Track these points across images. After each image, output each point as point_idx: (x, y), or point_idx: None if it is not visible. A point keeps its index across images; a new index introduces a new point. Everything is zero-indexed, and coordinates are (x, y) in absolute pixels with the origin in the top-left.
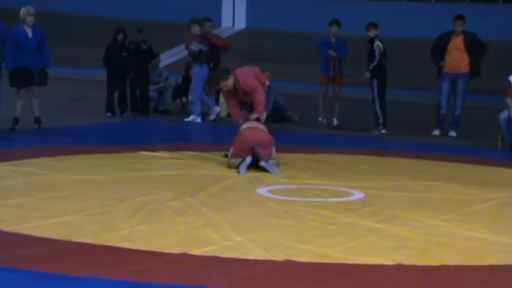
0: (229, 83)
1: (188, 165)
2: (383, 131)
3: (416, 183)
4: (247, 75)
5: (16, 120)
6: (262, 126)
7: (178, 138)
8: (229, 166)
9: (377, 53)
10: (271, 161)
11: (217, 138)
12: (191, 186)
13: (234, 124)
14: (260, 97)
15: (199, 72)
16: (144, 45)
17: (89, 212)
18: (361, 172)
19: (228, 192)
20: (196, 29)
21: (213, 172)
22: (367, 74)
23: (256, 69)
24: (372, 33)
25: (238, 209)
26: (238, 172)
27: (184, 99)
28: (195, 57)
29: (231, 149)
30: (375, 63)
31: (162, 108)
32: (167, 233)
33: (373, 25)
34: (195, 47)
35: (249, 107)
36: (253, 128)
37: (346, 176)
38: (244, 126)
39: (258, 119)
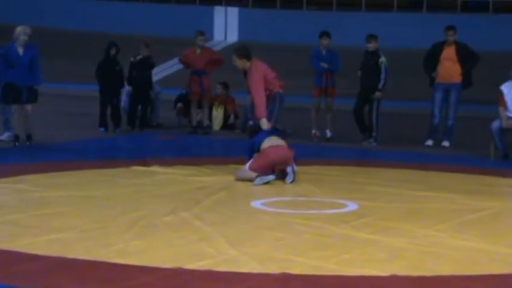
0: (241, 63)
1: (182, 179)
2: (374, 144)
3: (410, 193)
4: (259, 71)
5: (16, 137)
6: (282, 142)
7: (172, 153)
8: (241, 178)
9: (383, 69)
10: (293, 169)
11: (210, 151)
12: (185, 201)
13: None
14: (257, 98)
15: None
16: (150, 60)
17: (83, 228)
18: (355, 183)
19: (222, 206)
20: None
21: (207, 186)
22: (378, 95)
23: (273, 74)
24: (373, 45)
25: (232, 223)
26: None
27: (179, 105)
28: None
29: (250, 162)
30: (383, 82)
31: (155, 123)
32: (162, 247)
33: (373, 37)
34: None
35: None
36: (275, 146)
37: (340, 188)
38: (266, 143)
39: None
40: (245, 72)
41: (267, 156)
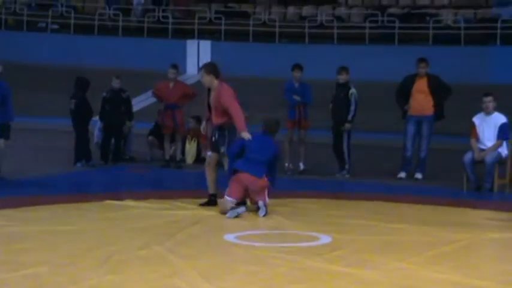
0: (208, 80)
1: (155, 213)
2: (347, 175)
3: (384, 226)
4: (229, 89)
5: None
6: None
7: (145, 186)
8: (222, 208)
9: (353, 101)
10: (265, 203)
11: (184, 185)
12: (158, 235)
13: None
14: (235, 113)
15: None
16: (123, 94)
17: (56, 263)
18: (329, 216)
19: (196, 240)
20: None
21: (180, 219)
22: (348, 126)
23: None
24: (343, 77)
25: (206, 257)
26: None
27: (150, 138)
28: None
29: (228, 189)
30: (352, 113)
31: (127, 157)
32: (135, 282)
33: (344, 69)
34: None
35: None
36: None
37: (313, 220)
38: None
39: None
40: (209, 90)
41: (240, 180)
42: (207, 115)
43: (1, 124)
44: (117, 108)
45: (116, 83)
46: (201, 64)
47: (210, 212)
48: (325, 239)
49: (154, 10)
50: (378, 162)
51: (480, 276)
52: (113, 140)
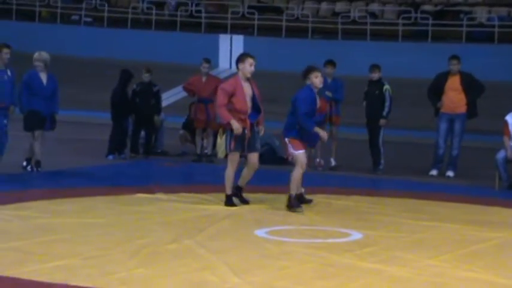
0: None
1: (186, 207)
2: (379, 172)
3: (415, 223)
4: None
5: (38, 163)
6: None
7: (177, 180)
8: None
9: (387, 97)
10: None
11: (215, 179)
12: (189, 228)
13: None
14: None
15: None
16: (154, 87)
17: (87, 255)
18: (360, 212)
19: (226, 234)
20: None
21: (211, 214)
22: (383, 122)
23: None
24: (376, 75)
25: (236, 251)
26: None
27: (182, 131)
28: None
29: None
30: (387, 109)
31: (159, 150)
32: (165, 276)
33: (377, 67)
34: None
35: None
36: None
37: (344, 217)
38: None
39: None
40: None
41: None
42: (246, 110)
43: (50, 114)
44: (147, 102)
45: (146, 77)
46: (233, 59)
47: (240, 207)
48: (355, 235)
49: (187, 4)
50: (409, 159)
51: (509, 275)
52: (143, 133)
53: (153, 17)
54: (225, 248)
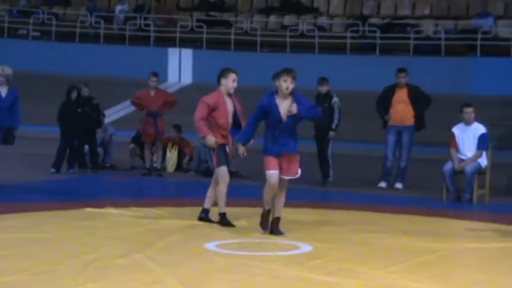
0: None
1: (136, 221)
2: (328, 185)
3: (364, 235)
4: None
5: None
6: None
7: (126, 194)
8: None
9: (336, 109)
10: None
11: (164, 193)
12: (139, 243)
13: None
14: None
15: None
16: (93, 101)
17: (34, 270)
18: (309, 225)
19: (176, 248)
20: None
21: (161, 228)
22: (332, 134)
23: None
24: (325, 88)
25: (186, 265)
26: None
27: (132, 146)
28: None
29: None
30: (336, 122)
31: (108, 164)
32: None
33: (325, 80)
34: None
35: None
36: None
37: (293, 230)
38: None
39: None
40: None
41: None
42: (227, 125)
43: (5, 128)
44: (88, 116)
45: (85, 92)
46: (182, 72)
47: (190, 221)
48: (305, 248)
49: (136, 18)
50: (358, 172)
51: (456, 286)
52: (87, 147)
53: (102, 31)
54: (175, 261)
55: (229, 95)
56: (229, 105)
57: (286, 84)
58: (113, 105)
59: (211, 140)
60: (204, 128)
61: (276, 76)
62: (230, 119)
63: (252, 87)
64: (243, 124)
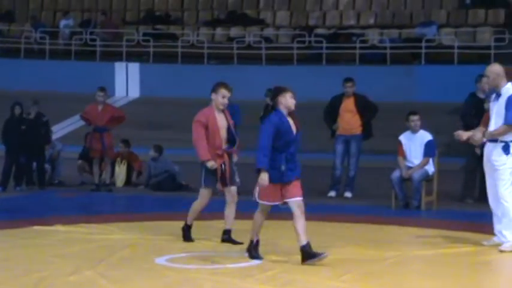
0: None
1: (85, 237)
2: None
3: (314, 245)
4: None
5: None
6: None
7: (75, 211)
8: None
9: None
10: None
11: (114, 209)
12: (89, 259)
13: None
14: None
15: None
16: (43, 118)
17: None
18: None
19: (127, 263)
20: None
21: (111, 243)
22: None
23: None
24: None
25: (137, 280)
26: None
27: (80, 162)
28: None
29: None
30: None
31: (56, 181)
32: None
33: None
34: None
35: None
36: None
37: (244, 241)
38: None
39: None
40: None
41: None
42: (220, 144)
43: None
44: (37, 133)
45: (33, 109)
46: (129, 86)
47: (141, 236)
48: (256, 260)
49: (81, 33)
50: (307, 181)
51: None
52: (35, 164)
53: (47, 47)
54: (126, 277)
55: (222, 110)
56: (222, 121)
57: (293, 100)
58: (60, 121)
59: (213, 165)
60: (204, 151)
61: (276, 93)
62: (224, 135)
63: (199, 100)
64: (237, 139)
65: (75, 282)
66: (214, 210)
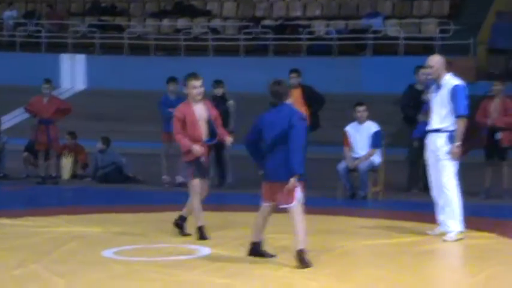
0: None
1: (31, 230)
2: (227, 187)
3: None
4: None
5: None
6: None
7: (21, 204)
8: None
9: (233, 112)
10: None
11: (60, 201)
12: (35, 253)
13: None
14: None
15: None
16: None
17: None
18: (208, 228)
19: (73, 256)
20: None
21: (57, 236)
22: (230, 139)
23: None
24: (220, 90)
25: (83, 273)
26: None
27: (25, 154)
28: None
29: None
30: (233, 125)
31: (1, 174)
32: None
33: (220, 82)
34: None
35: None
36: None
37: (192, 233)
38: None
39: None
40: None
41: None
42: (200, 136)
43: None
44: None
45: None
46: (75, 78)
47: (87, 228)
48: (203, 251)
49: (26, 24)
50: (252, 173)
51: (353, 283)
52: None
53: None
54: (72, 270)
55: (201, 101)
56: (200, 113)
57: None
58: (5, 114)
59: (196, 148)
60: (184, 141)
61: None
62: (203, 128)
63: (145, 92)
64: (220, 131)
65: (20, 276)
66: (166, 202)
